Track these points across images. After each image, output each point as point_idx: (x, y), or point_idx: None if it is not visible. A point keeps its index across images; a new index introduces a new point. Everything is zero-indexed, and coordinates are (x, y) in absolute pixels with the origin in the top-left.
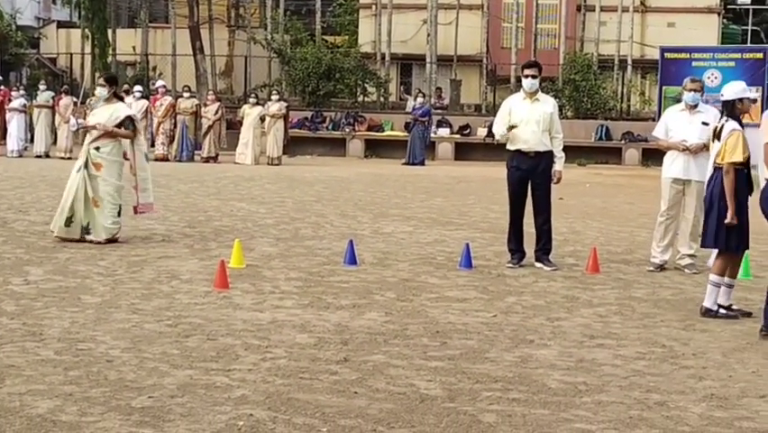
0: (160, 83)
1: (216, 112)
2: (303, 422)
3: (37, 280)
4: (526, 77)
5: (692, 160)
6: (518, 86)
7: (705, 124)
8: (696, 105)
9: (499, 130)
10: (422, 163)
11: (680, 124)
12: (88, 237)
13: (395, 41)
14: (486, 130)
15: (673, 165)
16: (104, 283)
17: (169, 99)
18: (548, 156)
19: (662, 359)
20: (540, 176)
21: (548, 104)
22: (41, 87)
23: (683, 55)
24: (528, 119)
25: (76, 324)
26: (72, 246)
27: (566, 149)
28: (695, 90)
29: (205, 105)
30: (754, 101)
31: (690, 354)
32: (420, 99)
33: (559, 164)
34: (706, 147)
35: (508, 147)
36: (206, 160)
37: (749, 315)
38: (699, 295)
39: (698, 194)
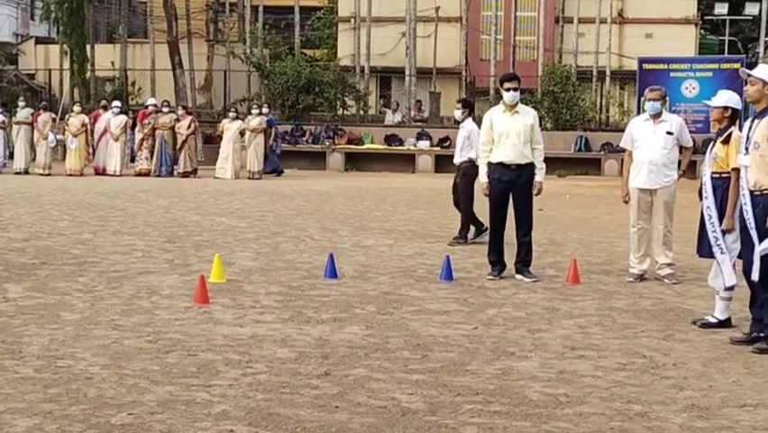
0: (151, 101)
1: (189, 126)
2: None
3: (16, 297)
4: (508, 90)
5: (656, 170)
6: (497, 98)
7: (669, 133)
8: (659, 115)
9: (481, 176)
10: (274, 172)
11: (644, 134)
12: None
13: (374, 54)
14: None
15: (639, 176)
16: (83, 300)
17: (156, 117)
18: (529, 168)
19: (643, 370)
20: (521, 188)
21: (528, 116)
22: (21, 103)
23: (661, 66)
24: (509, 132)
25: (55, 341)
26: (51, 263)
27: (546, 160)
28: (654, 99)
29: (178, 120)
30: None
31: (670, 364)
32: (265, 110)
33: (539, 175)
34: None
35: (490, 159)
36: (185, 174)
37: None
38: (679, 305)
39: (664, 202)
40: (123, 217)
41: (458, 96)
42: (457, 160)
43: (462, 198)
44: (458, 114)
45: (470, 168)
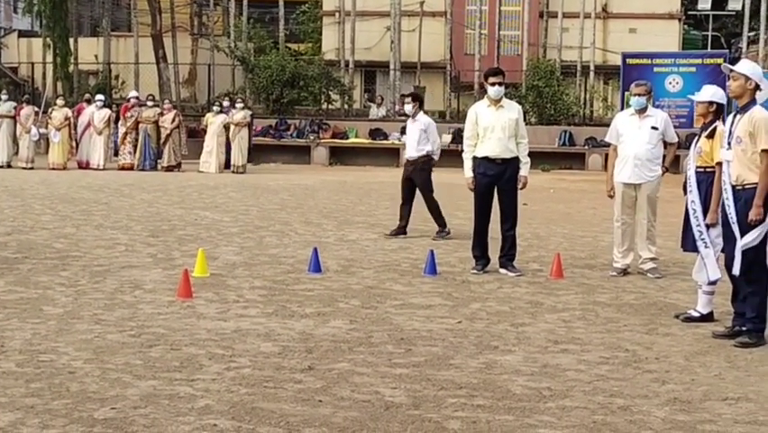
0: (133, 94)
1: (173, 120)
2: (267, 431)
3: None
4: (492, 84)
5: (641, 165)
6: (482, 92)
7: (654, 128)
8: (644, 110)
9: (467, 171)
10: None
11: (630, 128)
12: None
13: (358, 48)
14: (450, 137)
15: (623, 170)
16: (66, 294)
17: (139, 110)
18: (515, 162)
19: (626, 363)
20: (507, 182)
21: (513, 110)
22: (3, 96)
23: (645, 61)
24: (494, 126)
25: (37, 335)
26: (34, 257)
27: (530, 155)
28: (640, 95)
29: (162, 114)
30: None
31: (653, 358)
32: (167, 105)
33: (524, 169)
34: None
35: (476, 154)
36: (168, 168)
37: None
38: (662, 299)
39: (648, 196)
40: (106, 211)
41: (442, 91)
42: (413, 154)
43: (425, 192)
44: (408, 108)
45: (428, 162)
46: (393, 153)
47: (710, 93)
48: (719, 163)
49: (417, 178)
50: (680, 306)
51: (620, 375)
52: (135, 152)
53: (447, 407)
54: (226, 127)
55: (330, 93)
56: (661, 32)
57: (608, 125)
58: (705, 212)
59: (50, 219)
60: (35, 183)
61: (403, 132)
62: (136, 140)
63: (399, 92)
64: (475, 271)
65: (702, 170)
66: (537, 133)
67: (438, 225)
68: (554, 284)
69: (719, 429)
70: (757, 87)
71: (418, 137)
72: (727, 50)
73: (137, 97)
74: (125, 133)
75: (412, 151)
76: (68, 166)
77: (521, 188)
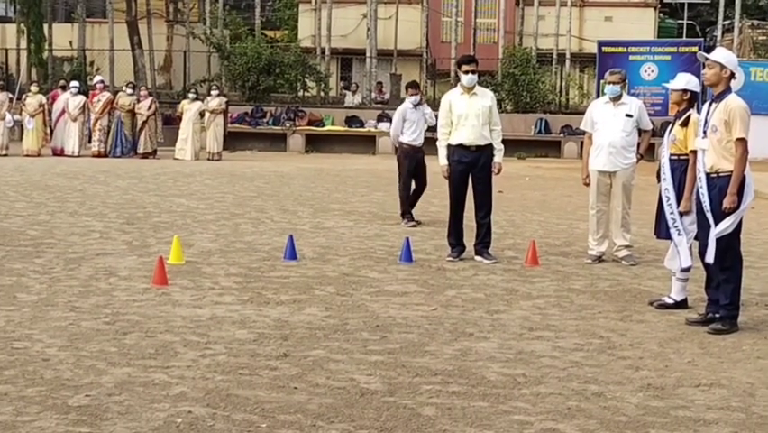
0: (98, 78)
1: (149, 107)
2: (242, 418)
3: None
4: (466, 72)
5: (615, 152)
6: (458, 80)
7: (629, 116)
8: (619, 98)
9: (441, 158)
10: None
11: (604, 116)
12: None
13: (335, 35)
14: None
15: (598, 157)
16: (40, 281)
17: (107, 95)
18: (489, 150)
19: (600, 350)
20: (481, 170)
21: (486, 97)
22: None
23: (620, 49)
24: (468, 114)
25: (11, 322)
26: (8, 244)
27: (506, 142)
28: (614, 83)
29: (138, 100)
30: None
31: (627, 344)
32: (143, 91)
33: (498, 156)
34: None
35: (450, 141)
36: (144, 156)
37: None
38: (637, 286)
39: (623, 184)
40: (81, 198)
41: (418, 78)
42: (422, 140)
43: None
44: (417, 98)
45: None
46: (369, 141)
47: (685, 81)
48: (693, 151)
49: (422, 164)
50: (654, 293)
51: (594, 362)
52: (107, 139)
53: (422, 393)
54: (202, 114)
55: (306, 80)
56: (636, 21)
57: (583, 113)
58: (678, 200)
59: (24, 206)
60: (9, 170)
61: (379, 119)
62: (108, 127)
63: (375, 80)
64: (450, 259)
65: (676, 157)
66: (513, 121)
67: (410, 211)
68: (529, 271)
69: (692, 415)
70: (732, 76)
71: (426, 123)
72: (702, 39)
73: (102, 81)
74: (96, 120)
75: (422, 137)
76: (43, 153)
77: (496, 174)
